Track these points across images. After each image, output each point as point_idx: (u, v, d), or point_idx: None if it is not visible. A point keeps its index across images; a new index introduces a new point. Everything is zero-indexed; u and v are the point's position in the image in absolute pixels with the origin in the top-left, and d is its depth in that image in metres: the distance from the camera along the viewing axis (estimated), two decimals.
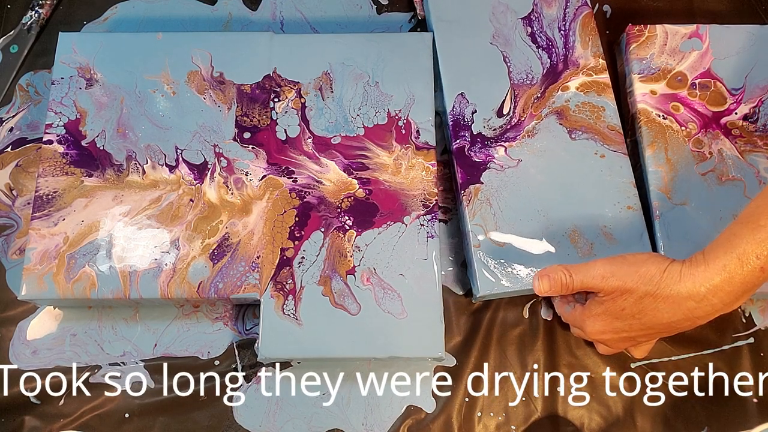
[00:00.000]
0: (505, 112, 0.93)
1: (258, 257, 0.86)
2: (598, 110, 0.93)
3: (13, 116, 1.00)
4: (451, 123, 0.93)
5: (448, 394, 0.89)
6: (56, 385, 0.89)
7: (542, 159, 0.91)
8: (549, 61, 0.95)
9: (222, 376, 0.89)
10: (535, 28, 0.97)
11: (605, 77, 0.94)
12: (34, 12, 1.05)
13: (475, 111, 0.93)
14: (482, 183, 0.90)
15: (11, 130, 0.99)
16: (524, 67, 0.95)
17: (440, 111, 0.97)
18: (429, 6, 0.99)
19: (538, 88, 0.94)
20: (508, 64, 0.95)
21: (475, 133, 0.92)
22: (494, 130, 0.92)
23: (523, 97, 0.94)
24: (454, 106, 0.93)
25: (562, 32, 0.97)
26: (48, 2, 1.05)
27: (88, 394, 0.88)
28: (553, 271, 0.78)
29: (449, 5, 0.99)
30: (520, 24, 0.97)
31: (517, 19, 0.98)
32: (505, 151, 0.91)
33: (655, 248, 0.87)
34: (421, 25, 1.05)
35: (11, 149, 0.98)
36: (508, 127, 0.92)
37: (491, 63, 0.96)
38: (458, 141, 0.92)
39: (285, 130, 0.92)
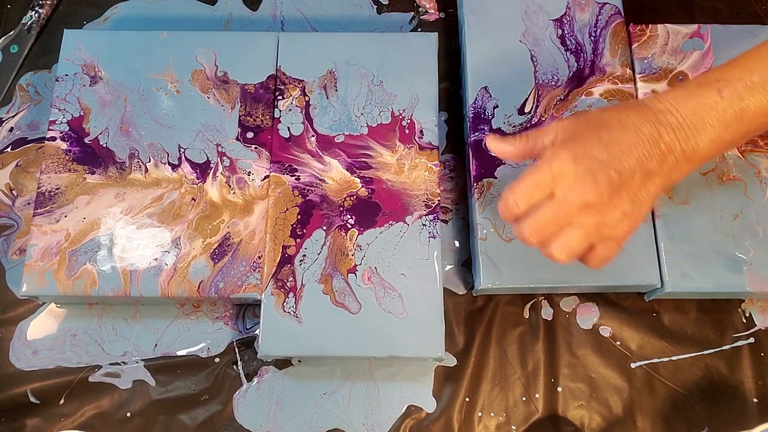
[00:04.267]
0: (526, 110, 0.93)
1: (259, 257, 0.86)
2: None
3: (13, 116, 1.00)
4: (471, 115, 0.93)
5: (449, 394, 0.89)
6: (56, 385, 0.89)
7: None
8: (576, 65, 0.95)
9: (222, 375, 0.89)
10: (565, 31, 0.97)
11: (630, 87, 0.94)
12: (34, 12, 1.05)
13: (497, 106, 0.93)
14: (496, 178, 0.90)
15: (11, 130, 0.99)
16: (550, 69, 0.95)
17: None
18: None
19: (562, 90, 0.94)
20: (535, 63, 0.95)
21: (494, 128, 0.92)
22: (514, 127, 0.92)
23: (546, 98, 0.94)
24: (476, 99, 0.94)
25: (592, 38, 0.96)
26: (48, 2, 1.05)
27: (88, 393, 0.88)
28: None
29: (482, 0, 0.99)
30: (551, 25, 0.97)
31: (548, 21, 0.97)
32: None
33: (656, 249, 0.87)
34: (421, 25, 1.05)
35: (11, 149, 0.98)
36: (528, 125, 0.92)
37: (518, 61, 0.96)
38: (476, 134, 0.92)
39: (288, 127, 0.92)
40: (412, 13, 1.06)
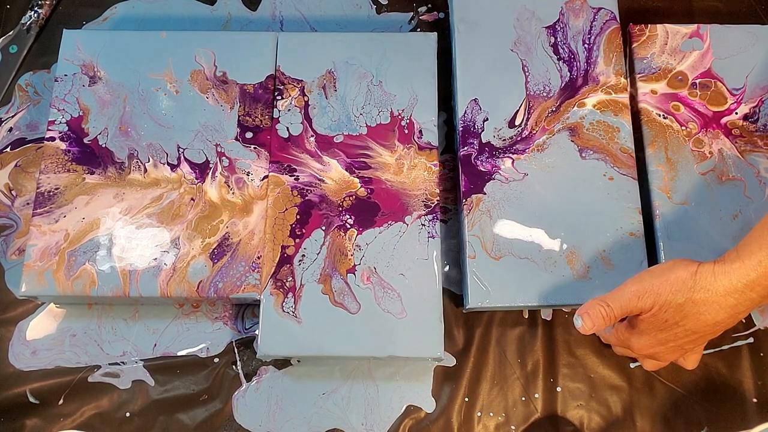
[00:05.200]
0: (517, 123, 0.92)
1: (258, 257, 0.86)
2: (613, 131, 0.91)
3: (13, 116, 1.00)
4: (460, 129, 0.92)
5: (448, 393, 0.89)
6: (56, 385, 0.89)
7: (549, 175, 0.89)
8: (569, 74, 0.93)
9: (222, 375, 0.89)
10: (558, 39, 0.95)
11: (624, 97, 0.92)
12: (33, 12, 1.05)
13: (487, 119, 0.92)
14: (485, 194, 0.89)
15: (10, 130, 0.99)
16: (542, 79, 0.93)
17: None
18: (453, 5, 0.98)
19: (554, 101, 0.92)
20: (527, 73, 0.94)
21: (483, 141, 0.91)
22: (504, 140, 0.91)
23: (538, 110, 0.92)
24: (465, 112, 0.92)
25: (585, 45, 0.95)
26: (47, 2, 1.05)
27: (87, 393, 0.88)
28: (590, 307, 0.77)
29: (473, 6, 0.97)
30: (543, 33, 0.95)
31: (541, 28, 0.96)
32: (512, 163, 0.90)
33: (655, 247, 0.88)
34: (420, 25, 1.05)
35: (10, 149, 0.98)
36: (519, 138, 0.91)
37: (509, 71, 0.94)
38: (466, 148, 0.91)
39: (288, 128, 0.92)
40: (412, 13, 1.06)
